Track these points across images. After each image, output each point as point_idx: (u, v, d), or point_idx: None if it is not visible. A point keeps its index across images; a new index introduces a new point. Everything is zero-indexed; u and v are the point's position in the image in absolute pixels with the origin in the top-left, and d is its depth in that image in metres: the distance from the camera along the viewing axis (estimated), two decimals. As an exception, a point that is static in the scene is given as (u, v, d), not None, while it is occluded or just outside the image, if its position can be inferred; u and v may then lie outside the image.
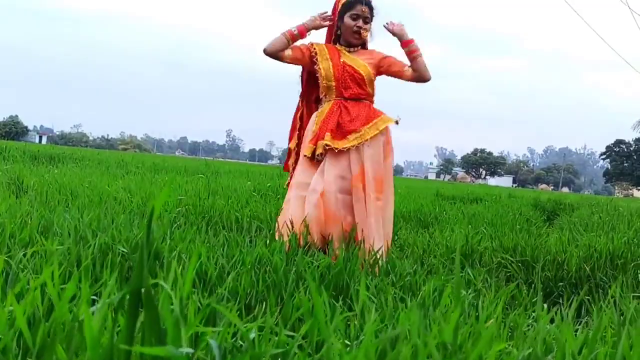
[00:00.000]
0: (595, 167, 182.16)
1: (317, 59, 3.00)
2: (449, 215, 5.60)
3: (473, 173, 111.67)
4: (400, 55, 3.10)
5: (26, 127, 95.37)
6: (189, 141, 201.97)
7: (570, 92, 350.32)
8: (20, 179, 4.24)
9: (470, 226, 4.60)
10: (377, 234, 2.83)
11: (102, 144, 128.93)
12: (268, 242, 2.59)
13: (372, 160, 2.90)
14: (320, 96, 3.11)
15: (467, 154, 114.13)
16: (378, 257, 2.57)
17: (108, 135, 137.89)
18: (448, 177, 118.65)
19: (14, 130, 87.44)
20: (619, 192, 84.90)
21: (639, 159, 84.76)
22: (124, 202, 3.91)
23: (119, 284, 1.73)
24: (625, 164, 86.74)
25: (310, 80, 3.14)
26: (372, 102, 3.09)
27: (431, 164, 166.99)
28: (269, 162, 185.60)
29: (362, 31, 3.02)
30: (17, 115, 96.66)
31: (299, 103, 3.29)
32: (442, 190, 10.24)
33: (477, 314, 1.97)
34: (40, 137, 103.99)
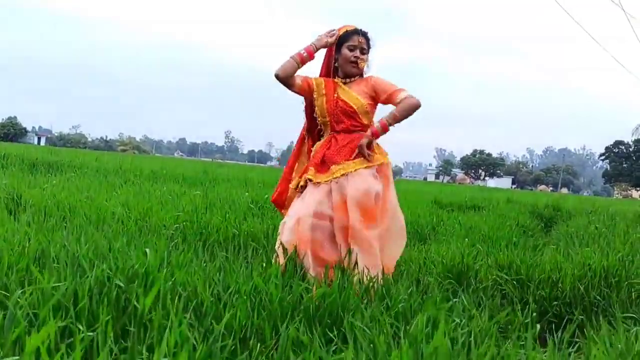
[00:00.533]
0: (594, 167, 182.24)
1: (314, 95, 3.03)
2: (446, 226, 5.62)
3: (472, 174, 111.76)
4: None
5: (24, 129, 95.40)
6: (188, 142, 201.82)
7: (569, 93, 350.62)
8: (19, 194, 4.26)
9: (467, 240, 4.63)
10: (369, 261, 2.79)
11: (101, 145, 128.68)
12: (264, 265, 2.61)
13: (356, 190, 2.83)
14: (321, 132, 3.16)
15: (467, 155, 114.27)
16: (371, 285, 2.58)
17: (107, 136, 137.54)
18: (447, 178, 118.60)
19: (12, 131, 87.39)
20: (618, 194, 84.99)
21: (637, 160, 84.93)
22: (122, 218, 3.92)
23: (114, 319, 1.75)
24: (624, 165, 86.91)
25: (312, 113, 3.14)
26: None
27: (430, 165, 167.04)
28: (268, 163, 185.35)
29: (359, 61, 3.04)
30: (15, 117, 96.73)
31: (301, 134, 3.29)
32: (440, 196, 10.26)
33: (470, 340, 1.99)
34: (39, 139, 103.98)
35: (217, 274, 2.36)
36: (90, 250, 2.37)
